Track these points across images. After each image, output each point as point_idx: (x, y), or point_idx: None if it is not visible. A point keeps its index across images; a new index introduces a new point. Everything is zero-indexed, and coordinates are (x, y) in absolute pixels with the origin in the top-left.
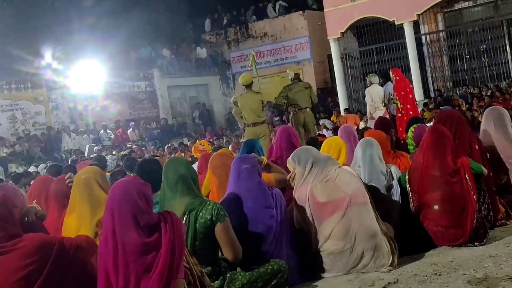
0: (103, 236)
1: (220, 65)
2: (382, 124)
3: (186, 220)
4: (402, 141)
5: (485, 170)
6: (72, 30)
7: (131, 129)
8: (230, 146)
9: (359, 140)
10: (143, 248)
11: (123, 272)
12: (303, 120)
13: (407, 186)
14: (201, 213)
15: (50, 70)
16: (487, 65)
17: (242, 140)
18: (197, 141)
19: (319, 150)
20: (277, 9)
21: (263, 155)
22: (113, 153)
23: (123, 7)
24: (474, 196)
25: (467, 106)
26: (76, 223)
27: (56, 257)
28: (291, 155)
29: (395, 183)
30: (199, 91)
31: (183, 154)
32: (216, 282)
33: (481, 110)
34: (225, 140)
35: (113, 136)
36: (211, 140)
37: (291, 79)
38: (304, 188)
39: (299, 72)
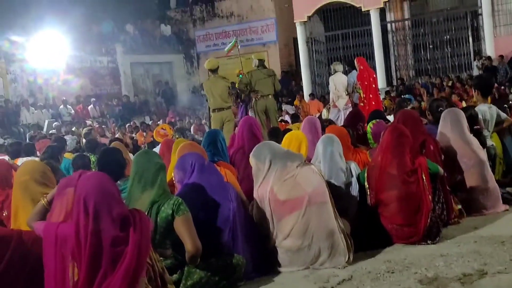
0: (73, 227)
1: (185, 43)
2: (354, 116)
3: (148, 212)
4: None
5: (441, 170)
6: (31, 0)
7: (92, 105)
8: (192, 127)
9: (322, 132)
10: (114, 241)
11: (91, 263)
12: (265, 107)
13: (366, 183)
14: (163, 207)
15: (8, 41)
16: (449, 56)
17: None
18: (160, 122)
19: (281, 139)
20: None
21: (226, 146)
22: (73, 129)
23: None
24: (430, 196)
25: (428, 96)
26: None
27: (14, 250)
28: (253, 151)
29: (354, 180)
30: (162, 69)
31: (144, 134)
32: (174, 275)
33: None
34: (187, 121)
35: (73, 111)
36: (173, 120)
37: (254, 65)
38: (265, 185)
39: (263, 58)
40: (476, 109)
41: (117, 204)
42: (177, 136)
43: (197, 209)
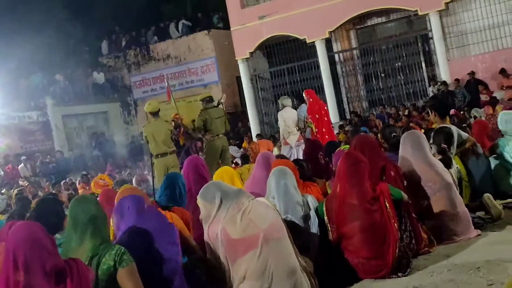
0: (2, 283)
1: (120, 90)
2: (313, 146)
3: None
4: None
5: (405, 196)
6: None
7: (22, 164)
8: (133, 179)
9: None
10: None
11: None
12: (221, 147)
13: (325, 216)
14: (103, 259)
15: None
16: (403, 83)
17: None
18: (98, 174)
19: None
20: (180, 29)
21: (185, 191)
22: (2, 191)
23: (10, 31)
24: (395, 224)
25: None
26: None
27: None
28: (200, 192)
29: (312, 213)
30: (97, 119)
31: (87, 187)
32: None
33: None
34: (127, 173)
35: (2, 173)
36: (113, 174)
37: (205, 103)
38: (216, 225)
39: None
40: None
41: (51, 256)
42: (117, 190)
43: (141, 259)
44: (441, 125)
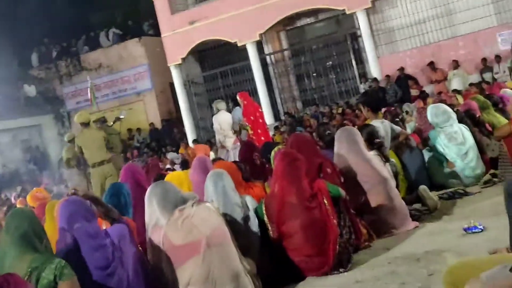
0: None
1: (53, 102)
2: (247, 147)
3: (27, 281)
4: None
5: (342, 192)
6: None
7: None
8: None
9: None
10: None
11: None
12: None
13: (265, 216)
14: (43, 273)
15: None
16: (335, 82)
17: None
18: (34, 188)
19: None
20: (110, 37)
21: (130, 201)
22: None
23: None
24: (335, 221)
25: None
26: None
27: None
28: (146, 195)
29: (251, 214)
30: (31, 133)
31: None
32: None
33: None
34: (64, 185)
35: None
36: (49, 187)
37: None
38: (158, 230)
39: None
40: None
41: None
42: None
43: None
44: (364, 124)
